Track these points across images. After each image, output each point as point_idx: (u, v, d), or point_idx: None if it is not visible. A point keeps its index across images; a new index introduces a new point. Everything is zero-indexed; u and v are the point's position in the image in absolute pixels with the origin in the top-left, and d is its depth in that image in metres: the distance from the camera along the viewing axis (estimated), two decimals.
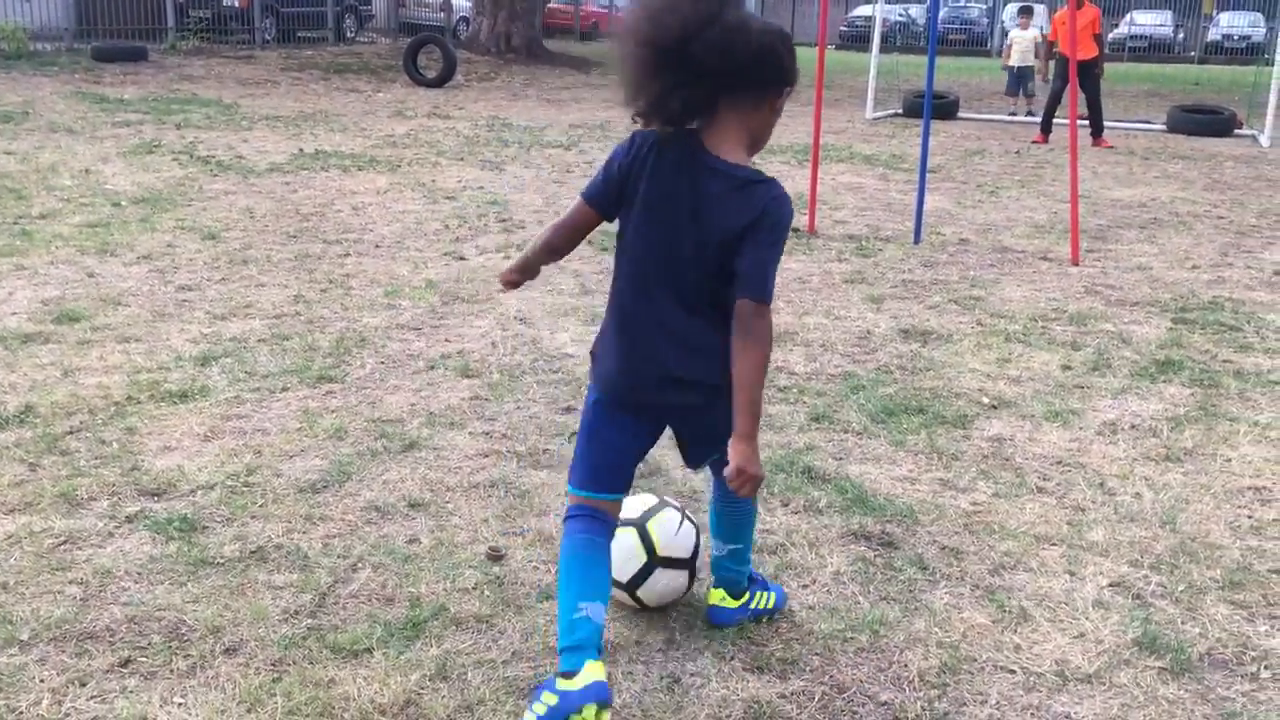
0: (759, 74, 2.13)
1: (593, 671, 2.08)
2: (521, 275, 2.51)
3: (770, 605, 2.62)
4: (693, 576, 2.62)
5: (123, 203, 7.12)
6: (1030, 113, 15.68)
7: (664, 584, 2.56)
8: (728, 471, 2.11)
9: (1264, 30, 33.74)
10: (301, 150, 9.79)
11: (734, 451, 2.10)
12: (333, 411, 3.78)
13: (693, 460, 2.46)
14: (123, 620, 2.49)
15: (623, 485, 2.35)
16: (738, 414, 2.10)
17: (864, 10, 39.75)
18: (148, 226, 6.48)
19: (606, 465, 2.32)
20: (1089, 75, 12.18)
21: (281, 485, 3.20)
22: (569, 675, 2.09)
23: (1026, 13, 16.79)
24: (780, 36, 2.18)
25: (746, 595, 2.60)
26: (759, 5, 45.22)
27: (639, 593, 2.56)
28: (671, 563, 2.56)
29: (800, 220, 7.41)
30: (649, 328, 2.21)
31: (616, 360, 2.27)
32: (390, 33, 25.61)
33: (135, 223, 6.56)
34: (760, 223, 2.09)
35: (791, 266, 6.13)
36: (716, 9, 2.06)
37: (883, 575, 2.81)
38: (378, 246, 6.29)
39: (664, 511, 2.64)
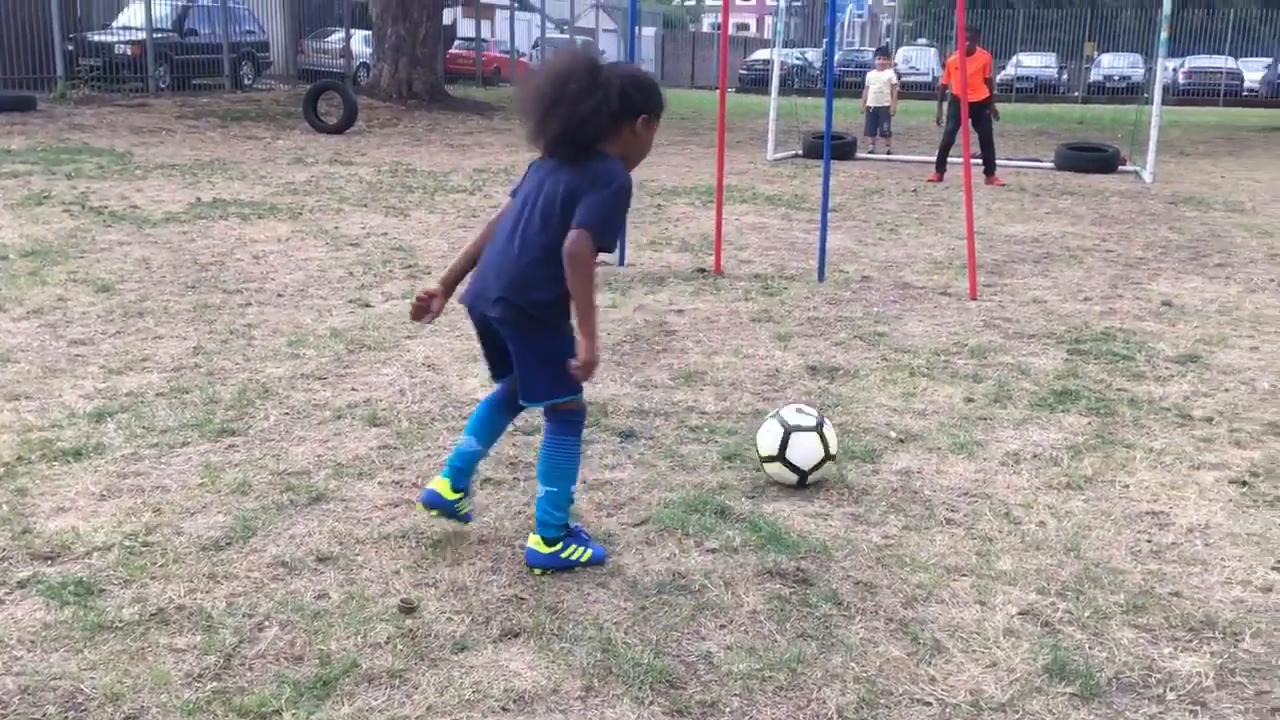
0: (618, 107, 2.84)
1: (435, 484, 3.09)
2: (445, 290, 3.15)
3: (584, 559, 3.01)
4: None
5: (10, 256, 6.89)
6: (888, 150, 16.22)
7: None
8: (576, 362, 2.78)
9: (1142, 71, 35.27)
10: (199, 199, 9.60)
11: (582, 349, 2.77)
12: (236, 465, 3.68)
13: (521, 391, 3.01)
14: (15, 691, 2.38)
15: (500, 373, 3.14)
16: (582, 322, 2.77)
17: (762, 54, 40.60)
18: (37, 280, 6.27)
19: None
20: (981, 116, 12.64)
21: (183, 544, 3.10)
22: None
23: (884, 54, 17.50)
24: (629, 77, 2.90)
25: (559, 544, 3.00)
26: (659, 50, 45.86)
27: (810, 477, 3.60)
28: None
29: (706, 261, 7.48)
30: (491, 264, 3.01)
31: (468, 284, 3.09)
32: (289, 79, 25.34)
33: (24, 276, 6.34)
34: (595, 179, 2.82)
35: (699, 306, 6.18)
36: (583, 66, 2.86)
37: (798, 612, 2.82)
38: (280, 295, 6.18)
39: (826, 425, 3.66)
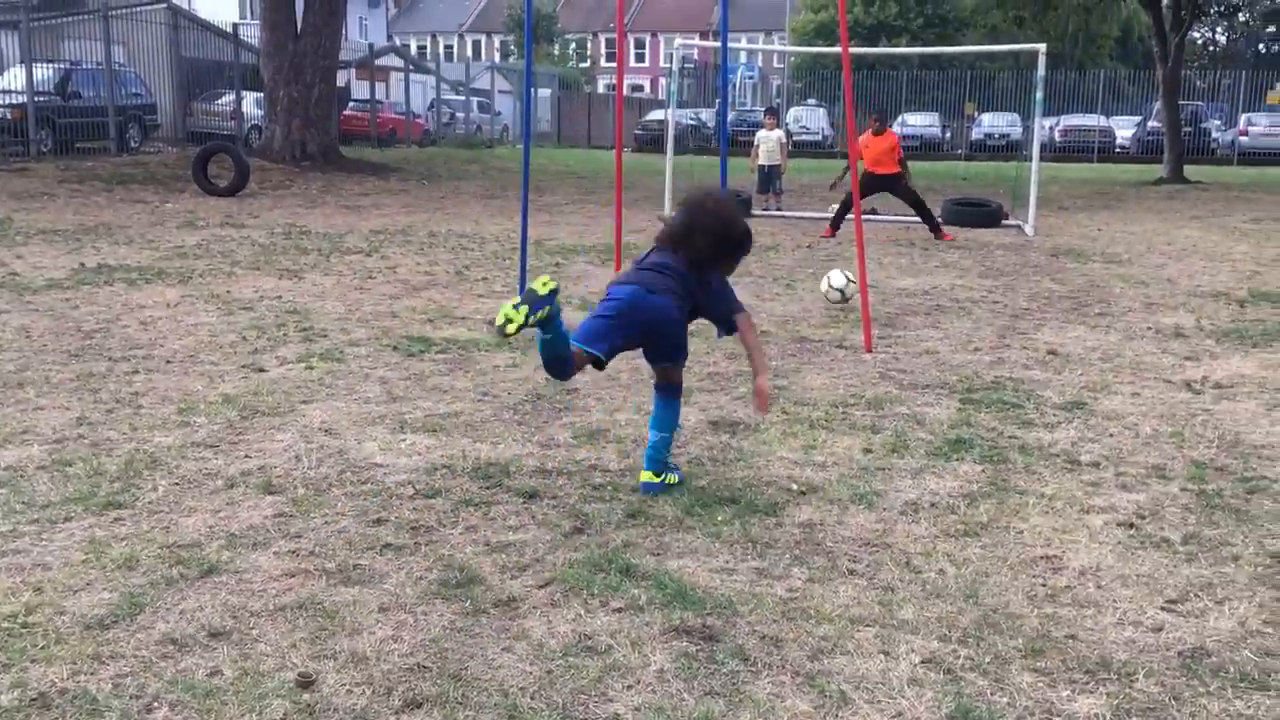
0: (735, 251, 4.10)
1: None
2: None
3: (675, 481, 4.15)
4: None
5: None
6: (779, 208, 16.62)
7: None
8: None
9: (1020, 129, 36.73)
10: (83, 265, 9.32)
11: (763, 384, 4.16)
12: (122, 540, 3.54)
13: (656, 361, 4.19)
14: None
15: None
16: (762, 363, 4.21)
17: (657, 114, 41.24)
18: None
19: None
20: (897, 187, 13.23)
21: (66, 623, 2.96)
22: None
23: (772, 114, 18.08)
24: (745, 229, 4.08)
25: (663, 475, 4.10)
26: (555, 111, 46.27)
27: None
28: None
29: None
30: None
31: None
32: (178, 141, 24.89)
33: None
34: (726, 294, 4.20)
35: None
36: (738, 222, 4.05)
37: (705, 669, 2.80)
38: (169, 362, 6.01)
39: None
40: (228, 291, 8.28)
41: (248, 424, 4.89)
